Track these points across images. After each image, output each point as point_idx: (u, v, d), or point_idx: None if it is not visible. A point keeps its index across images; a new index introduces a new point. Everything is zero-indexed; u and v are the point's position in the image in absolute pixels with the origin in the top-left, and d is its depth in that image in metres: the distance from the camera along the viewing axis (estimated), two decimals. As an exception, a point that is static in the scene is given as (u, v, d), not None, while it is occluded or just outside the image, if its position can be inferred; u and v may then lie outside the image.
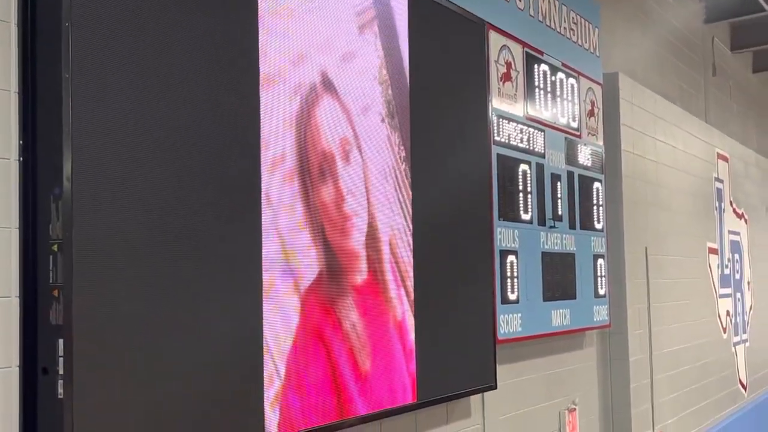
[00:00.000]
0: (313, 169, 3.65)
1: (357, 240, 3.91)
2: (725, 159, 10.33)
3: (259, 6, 3.38)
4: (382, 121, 4.13)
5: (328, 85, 3.75)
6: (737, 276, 10.68)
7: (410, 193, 4.31)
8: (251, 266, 3.28)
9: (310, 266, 3.59)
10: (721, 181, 10.14)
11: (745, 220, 11.19)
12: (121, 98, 2.80)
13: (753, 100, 13.06)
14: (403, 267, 4.23)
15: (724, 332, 9.90)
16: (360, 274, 3.92)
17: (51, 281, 2.65)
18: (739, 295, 10.65)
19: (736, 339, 10.39)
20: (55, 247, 2.64)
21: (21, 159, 2.69)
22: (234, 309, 3.19)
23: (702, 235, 9.33)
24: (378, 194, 4.07)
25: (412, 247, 4.31)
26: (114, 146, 2.77)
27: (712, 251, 9.62)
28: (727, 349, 10.01)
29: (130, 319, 2.79)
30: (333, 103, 3.79)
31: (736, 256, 10.69)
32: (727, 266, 10.20)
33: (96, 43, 2.73)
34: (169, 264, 2.94)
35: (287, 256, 3.45)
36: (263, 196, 3.34)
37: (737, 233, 10.78)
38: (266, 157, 3.36)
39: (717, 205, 9.93)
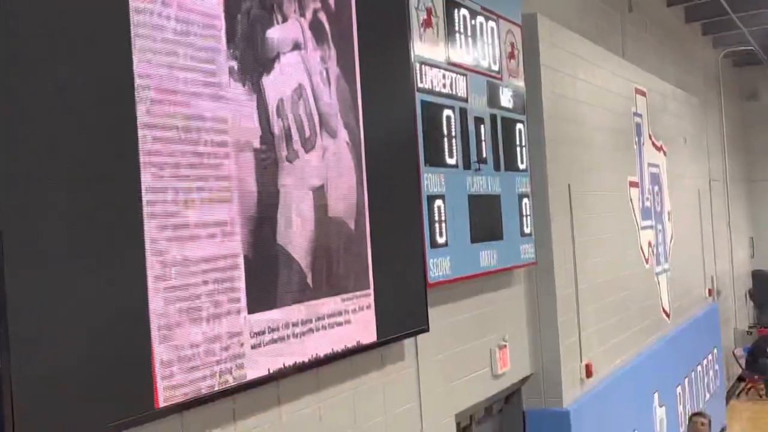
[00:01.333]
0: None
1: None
2: (643, 93, 10.53)
3: None
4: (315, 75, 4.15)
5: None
6: (658, 208, 10.96)
7: (336, 143, 4.35)
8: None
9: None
10: (640, 116, 10.35)
11: (664, 153, 11.45)
12: (42, 61, 2.77)
13: (668, 34, 13.29)
14: (332, 217, 4.29)
15: (647, 263, 10.19)
16: (290, 227, 3.97)
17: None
18: (660, 226, 10.94)
19: (659, 269, 10.70)
20: None
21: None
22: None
23: (623, 169, 9.54)
24: (305, 147, 4.10)
25: (340, 197, 4.37)
26: (37, 109, 2.75)
27: (633, 185, 9.85)
28: (650, 279, 10.31)
29: (61, 284, 2.80)
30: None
31: (656, 188, 10.96)
32: (647, 199, 10.45)
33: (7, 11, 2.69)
34: (95, 227, 2.95)
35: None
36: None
37: (657, 165, 11.03)
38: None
39: (636, 139, 10.15)
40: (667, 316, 10.96)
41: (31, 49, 2.74)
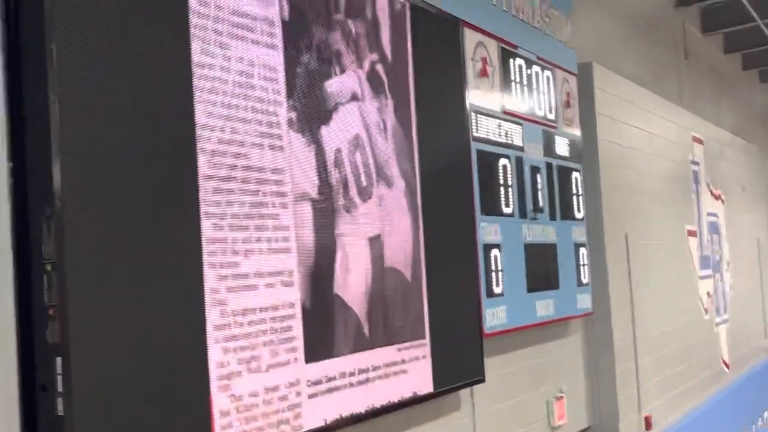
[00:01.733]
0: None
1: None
2: (700, 141, 10.43)
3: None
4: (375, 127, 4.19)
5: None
6: (716, 257, 10.80)
7: (393, 193, 4.37)
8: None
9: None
10: (697, 164, 10.24)
11: (722, 201, 11.31)
12: (105, 115, 2.84)
13: (726, 81, 13.18)
14: (389, 267, 4.29)
15: (706, 313, 10.02)
16: (347, 277, 3.98)
17: (46, 301, 2.69)
18: (719, 275, 10.77)
19: (718, 319, 10.51)
20: (48, 267, 2.68)
21: (12, 181, 2.72)
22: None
23: (680, 218, 9.43)
24: (362, 196, 4.13)
25: (397, 246, 4.38)
26: (101, 163, 2.81)
27: (691, 233, 9.73)
28: (709, 329, 10.13)
29: (124, 335, 2.83)
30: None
31: (715, 236, 10.80)
32: (706, 247, 10.31)
33: (79, 63, 2.76)
34: (158, 279, 2.98)
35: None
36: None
37: (715, 214, 10.89)
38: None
39: (694, 187, 10.04)
40: (727, 367, 10.74)
41: (96, 101, 2.80)
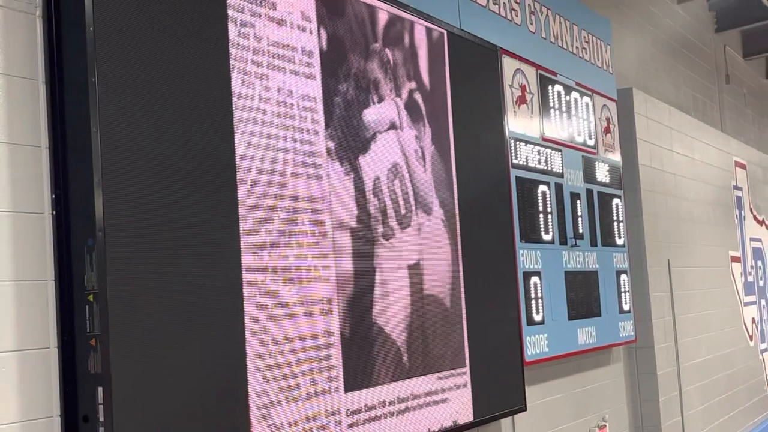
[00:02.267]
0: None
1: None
2: (743, 166, 10.32)
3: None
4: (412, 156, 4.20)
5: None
6: (761, 283, 10.65)
7: (432, 221, 4.37)
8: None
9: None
10: (740, 189, 10.13)
11: (767, 227, 11.16)
12: (146, 147, 2.87)
13: (767, 105, 13.07)
14: (428, 295, 4.28)
15: (751, 340, 9.87)
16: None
17: (88, 331, 2.71)
18: (764, 301, 10.62)
19: (763, 346, 10.35)
20: (90, 297, 2.71)
21: (54, 212, 2.76)
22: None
23: (724, 243, 9.32)
24: (401, 225, 4.13)
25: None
26: (142, 194, 2.84)
27: (735, 259, 9.61)
28: (754, 356, 9.98)
29: (165, 364, 2.84)
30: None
31: (759, 263, 10.67)
32: (750, 273, 10.17)
33: (121, 96, 2.80)
34: (197, 308, 2.99)
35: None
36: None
37: (759, 240, 10.76)
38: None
39: (737, 213, 9.93)
40: (774, 395, 10.56)
41: (137, 132, 2.84)
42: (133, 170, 2.80)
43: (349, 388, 3.67)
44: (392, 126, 4.16)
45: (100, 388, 2.66)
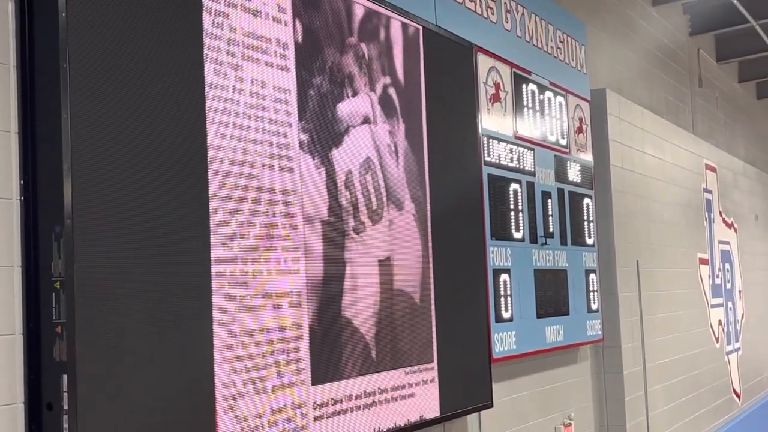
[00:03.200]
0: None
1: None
2: (713, 169, 10.41)
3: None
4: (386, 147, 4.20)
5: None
6: (728, 285, 10.75)
7: (403, 216, 4.38)
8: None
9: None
10: (710, 192, 10.22)
11: (735, 230, 11.27)
12: (117, 134, 2.86)
13: (739, 110, 13.17)
14: (398, 290, 4.29)
15: (717, 342, 9.97)
16: (356, 299, 3.98)
17: (54, 318, 2.70)
18: (730, 304, 10.72)
19: (729, 348, 10.45)
20: (57, 285, 2.69)
21: (22, 198, 2.74)
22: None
23: (692, 246, 9.40)
24: (372, 219, 4.13)
25: (406, 269, 4.37)
26: (112, 182, 2.83)
27: (703, 261, 9.69)
28: (720, 358, 10.07)
29: (131, 353, 2.83)
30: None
31: (727, 265, 10.76)
32: (718, 276, 10.26)
33: (92, 82, 2.78)
34: (165, 298, 2.98)
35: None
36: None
37: (727, 243, 10.85)
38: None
39: (707, 215, 10.01)
40: (738, 397, 10.66)
41: (108, 119, 2.82)
42: (103, 158, 2.79)
43: (316, 381, 3.67)
44: (366, 120, 4.17)
45: (65, 376, 2.65)
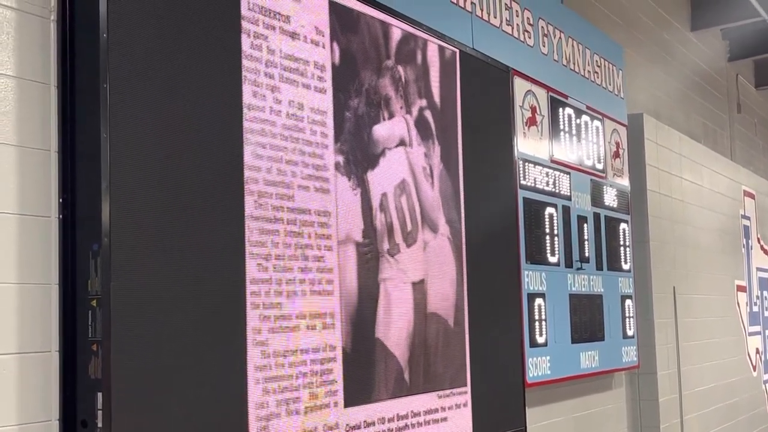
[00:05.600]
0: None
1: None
2: (752, 196, 10.30)
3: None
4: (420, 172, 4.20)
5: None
6: (766, 313, 10.61)
7: (438, 239, 4.36)
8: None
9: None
10: (748, 218, 10.11)
11: (774, 257, 11.13)
12: (155, 154, 2.88)
13: (778, 136, 13.04)
14: (432, 313, 4.27)
15: (754, 370, 9.83)
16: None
17: (90, 336, 2.71)
18: (768, 332, 10.58)
19: (767, 377, 10.30)
20: (93, 303, 2.71)
21: (60, 216, 2.76)
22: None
23: (730, 272, 9.30)
24: (406, 241, 4.13)
25: (440, 292, 4.36)
26: (149, 201, 2.85)
27: (741, 289, 9.58)
28: (757, 387, 9.93)
29: (165, 372, 2.84)
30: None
31: (765, 293, 10.63)
32: (756, 304, 10.14)
33: (131, 102, 2.81)
34: (200, 317, 2.99)
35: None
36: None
37: (766, 270, 10.72)
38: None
39: (744, 242, 9.90)
40: (776, 426, 10.50)
41: (146, 139, 2.84)
42: (140, 177, 2.81)
43: (349, 403, 3.66)
44: (401, 142, 4.17)
45: (100, 394, 2.66)
